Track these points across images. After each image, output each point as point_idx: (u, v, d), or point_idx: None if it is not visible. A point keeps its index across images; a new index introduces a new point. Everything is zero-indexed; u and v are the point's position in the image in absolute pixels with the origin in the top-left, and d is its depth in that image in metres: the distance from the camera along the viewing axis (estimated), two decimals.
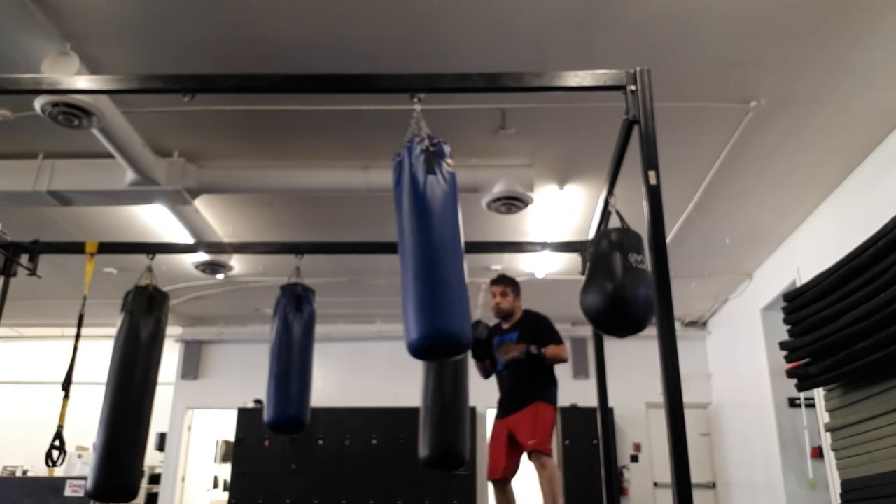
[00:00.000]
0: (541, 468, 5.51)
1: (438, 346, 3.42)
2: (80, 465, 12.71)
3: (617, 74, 3.86)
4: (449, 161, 3.72)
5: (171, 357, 12.40)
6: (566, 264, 9.04)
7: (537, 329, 5.94)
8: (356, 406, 12.65)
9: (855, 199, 7.30)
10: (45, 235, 6.27)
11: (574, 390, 10.84)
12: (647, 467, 12.54)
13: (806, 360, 6.40)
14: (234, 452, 12.60)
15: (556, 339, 5.88)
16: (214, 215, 8.34)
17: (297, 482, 12.15)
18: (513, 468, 5.81)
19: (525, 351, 5.75)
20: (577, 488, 11.30)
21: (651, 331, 3.69)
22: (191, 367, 13.58)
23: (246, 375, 12.71)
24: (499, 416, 5.96)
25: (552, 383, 5.93)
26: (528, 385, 5.82)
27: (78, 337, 5.95)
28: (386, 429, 12.33)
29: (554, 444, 6.07)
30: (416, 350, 3.39)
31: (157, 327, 5.95)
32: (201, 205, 7.80)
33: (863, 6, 5.04)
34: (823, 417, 7.09)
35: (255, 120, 6.47)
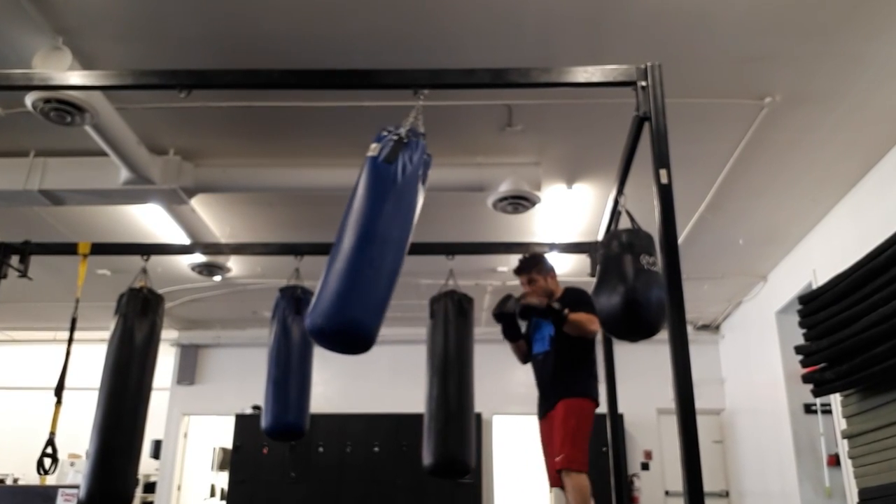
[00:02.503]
0: (568, 487, 5.10)
1: (340, 335, 3.34)
2: (73, 473, 12.75)
3: (627, 70, 3.85)
4: (425, 157, 3.67)
5: (166, 362, 12.44)
6: (575, 266, 9.02)
7: (573, 300, 5.46)
8: (358, 412, 12.66)
9: (873, 199, 7.29)
10: (36, 236, 6.28)
11: None
12: (658, 475, 12.53)
13: (822, 365, 6.39)
14: (232, 460, 12.61)
15: (588, 309, 5.20)
16: (211, 215, 8.35)
17: (296, 491, 12.15)
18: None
19: (546, 302, 5.28)
20: None
21: (662, 335, 3.69)
22: (187, 372, 13.59)
23: (244, 380, 12.72)
24: (539, 415, 5.72)
25: (588, 374, 5.48)
26: (559, 374, 5.45)
27: (70, 341, 5.96)
28: (388, 436, 12.32)
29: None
30: (316, 334, 3.31)
31: (151, 331, 5.96)
32: (198, 204, 7.82)
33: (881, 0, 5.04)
34: (840, 424, 7.07)
35: (254, 117, 6.48)
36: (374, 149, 3.58)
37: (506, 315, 5.50)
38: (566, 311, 5.23)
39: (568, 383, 5.38)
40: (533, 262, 5.72)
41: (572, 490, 5.02)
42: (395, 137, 3.59)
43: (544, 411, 5.60)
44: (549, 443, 5.48)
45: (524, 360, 5.99)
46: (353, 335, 3.33)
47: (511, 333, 5.75)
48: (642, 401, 11.98)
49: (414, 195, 3.62)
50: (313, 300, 3.32)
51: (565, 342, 5.50)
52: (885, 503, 5.62)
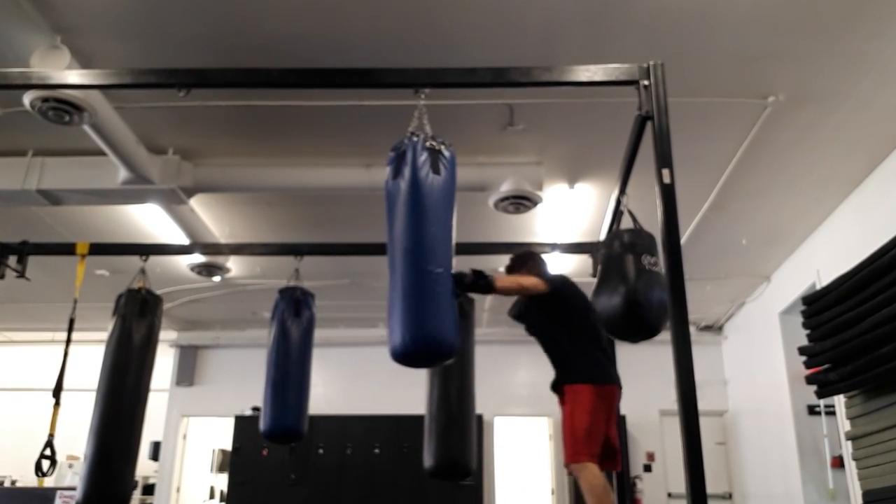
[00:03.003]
0: (581, 487, 4.63)
1: (424, 353, 3.45)
2: (71, 475, 12.73)
3: (629, 69, 3.86)
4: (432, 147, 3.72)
5: (165, 363, 12.43)
6: (577, 266, 9.00)
7: (514, 265, 5.16)
8: (358, 414, 12.65)
9: (877, 198, 7.28)
10: (34, 236, 6.29)
11: None
12: (660, 477, 12.52)
13: (826, 366, 6.39)
14: (232, 462, 12.60)
15: (525, 270, 4.97)
16: (210, 215, 8.35)
17: (296, 493, 12.14)
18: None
19: (461, 272, 4.07)
20: None
21: (665, 335, 3.69)
22: (186, 374, 13.59)
23: (243, 382, 12.69)
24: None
25: (578, 354, 4.81)
26: (554, 362, 4.93)
27: (68, 342, 5.97)
28: (389, 437, 12.31)
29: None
30: (401, 356, 3.41)
31: (150, 332, 5.97)
32: (197, 204, 7.81)
33: None
34: (844, 425, 7.07)
35: (253, 116, 6.47)
36: (387, 173, 3.72)
37: (521, 315, 5.09)
38: (491, 277, 4.27)
39: (564, 371, 4.85)
40: (517, 259, 5.26)
41: (585, 490, 4.58)
42: (431, 145, 3.67)
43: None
44: None
45: None
46: (433, 350, 3.49)
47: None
48: (644, 402, 11.95)
49: (429, 190, 3.64)
50: (389, 327, 3.52)
51: (539, 328, 5.02)
52: None
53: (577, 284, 5.00)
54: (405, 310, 3.37)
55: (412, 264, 3.45)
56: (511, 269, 5.18)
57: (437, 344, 3.40)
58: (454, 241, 3.66)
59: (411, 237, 3.50)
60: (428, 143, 3.66)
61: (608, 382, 4.78)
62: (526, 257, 5.23)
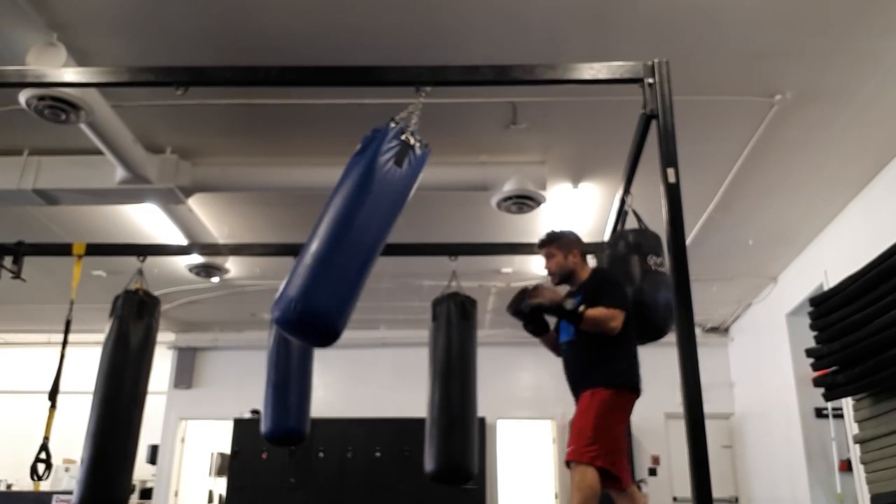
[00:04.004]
0: (572, 483, 4.53)
1: (305, 324, 3.32)
2: (68, 479, 12.71)
3: (634, 66, 3.86)
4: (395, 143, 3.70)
5: (163, 365, 12.45)
6: None
7: (595, 289, 4.76)
8: (359, 417, 12.65)
9: (886, 198, 7.28)
10: (30, 236, 6.29)
11: None
12: (665, 481, 12.52)
13: (834, 368, 6.38)
14: (231, 466, 12.60)
15: (610, 300, 4.61)
16: (209, 215, 8.35)
17: (296, 497, 12.15)
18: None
19: (556, 301, 4.60)
20: None
21: (670, 337, 3.69)
22: (184, 376, 13.60)
23: (242, 384, 12.70)
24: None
25: (621, 360, 4.73)
26: (587, 364, 4.78)
27: (65, 344, 5.97)
28: (390, 441, 12.30)
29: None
30: (282, 321, 3.30)
31: (147, 333, 5.97)
32: (195, 204, 7.82)
33: None
34: (852, 428, 7.06)
35: (252, 114, 6.48)
36: (381, 142, 3.65)
37: (520, 313, 4.89)
38: (581, 308, 4.51)
39: (596, 374, 4.68)
40: (555, 236, 5.09)
41: (575, 488, 4.46)
42: (406, 138, 3.66)
43: (576, 400, 4.90)
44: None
45: (558, 353, 5.14)
46: (316, 325, 3.33)
47: (534, 329, 5.02)
48: (649, 405, 11.78)
49: (384, 178, 3.61)
50: (279, 291, 3.33)
51: (578, 335, 4.83)
52: None
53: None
54: (307, 274, 3.28)
55: (333, 235, 3.37)
56: (544, 244, 5.08)
57: (320, 319, 3.30)
58: (385, 239, 3.59)
59: (344, 212, 3.44)
60: (403, 136, 3.66)
61: (635, 390, 4.76)
62: (572, 244, 5.07)
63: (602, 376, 4.64)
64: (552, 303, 4.58)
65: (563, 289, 5.00)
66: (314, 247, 3.35)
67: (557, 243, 5.03)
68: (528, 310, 4.73)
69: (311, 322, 3.29)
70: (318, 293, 3.26)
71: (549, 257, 5.04)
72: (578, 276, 4.97)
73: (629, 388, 4.70)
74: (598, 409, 4.57)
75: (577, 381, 4.83)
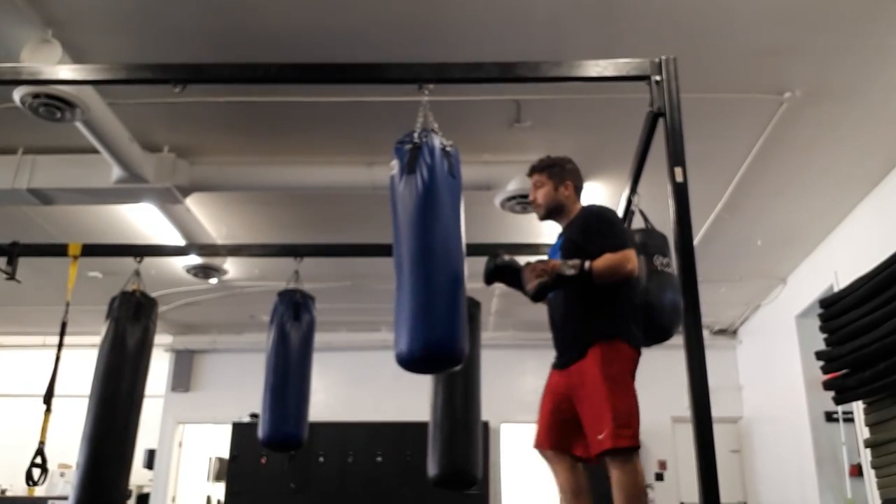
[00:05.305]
0: (615, 481, 3.68)
1: (431, 359, 3.45)
2: (63, 484, 12.72)
3: (641, 63, 3.86)
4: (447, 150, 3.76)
5: (160, 368, 12.44)
6: None
7: (585, 231, 4.09)
8: (360, 420, 12.66)
9: None
10: (24, 237, 6.30)
11: None
12: (673, 486, 12.51)
13: (844, 371, 6.38)
14: (229, 470, 12.61)
15: (614, 243, 3.88)
16: (207, 215, 8.35)
17: (296, 502, 12.15)
18: (562, 440, 4.04)
19: (554, 274, 3.78)
20: None
21: (677, 339, 3.68)
22: (182, 379, 13.61)
23: (241, 387, 12.69)
24: (554, 366, 4.19)
25: (620, 311, 3.99)
26: (582, 314, 4.01)
27: (60, 346, 5.98)
28: (392, 445, 12.31)
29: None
30: (407, 362, 3.43)
31: (144, 336, 5.98)
32: (193, 204, 7.81)
33: None
34: (863, 432, 7.06)
35: (251, 113, 6.48)
36: (393, 166, 3.70)
37: (492, 272, 4.19)
38: (587, 265, 3.75)
39: (597, 325, 3.92)
40: (549, 162, 4.42)
41: (622, 487, 3.65)
42: (410, 145, 3.65)
43: (562, 363, 4.09)
44: (557, 396, 4.07)
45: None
46: (441, 356, 3.49)
47: (509, 281, 4.16)
48: (656, 408, 11.87)
49: (447, 193, 3.65)
50: (395, 331, 3.47)
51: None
52: None
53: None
54: (413, 314, 3.36)
55: (423, 267, 3.45)
56: (535, 170, 4.44)
57: (445, 350, 3.40)
58: (464, 246, 3.67)
59: (424, 239, 3.49)
60: (444, 146, 3.70)
61: (638, 349, 4.02)
62: (566, 174, 4.38)
63: (607, 329, 3.91)
64: (553, 278, 3.75)
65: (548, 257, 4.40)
66: (408, 286, 3.47)
67: (549, 171, 4.37)
68: (531, 296, 3.86)
69: (435, 358, 3.47)
70: (430, 328, 3.41)
71: (537, 186, 4.40)
72: (568, 213, 4.33)
73: (630, 342, 3.94)
74: (617, 366, 3.83)
75: (566, 337, 4.12)
